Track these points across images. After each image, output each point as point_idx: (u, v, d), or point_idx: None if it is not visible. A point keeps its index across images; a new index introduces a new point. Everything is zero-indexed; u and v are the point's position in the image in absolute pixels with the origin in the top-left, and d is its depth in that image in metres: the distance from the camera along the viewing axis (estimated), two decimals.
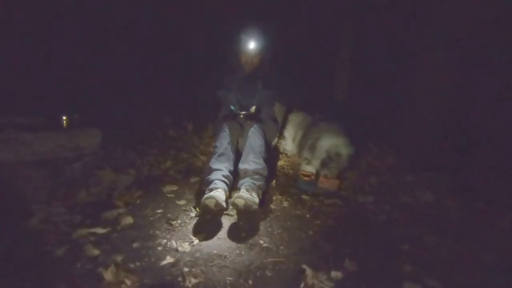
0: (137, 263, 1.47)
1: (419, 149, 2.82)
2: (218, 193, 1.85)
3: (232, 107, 2.39)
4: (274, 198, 2.14)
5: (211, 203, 1.79)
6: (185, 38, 4.98)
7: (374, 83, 4.53)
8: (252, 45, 2.33)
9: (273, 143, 2.65)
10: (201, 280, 1.39)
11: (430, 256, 1.62)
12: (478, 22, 2.81)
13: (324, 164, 2.25)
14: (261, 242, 1.68)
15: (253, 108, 2.38)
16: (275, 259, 1.55)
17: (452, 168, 2.46)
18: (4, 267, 1.41)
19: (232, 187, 2.09)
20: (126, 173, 2.27)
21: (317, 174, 2.33)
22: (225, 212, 1.91)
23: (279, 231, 1.79)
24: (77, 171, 2.17)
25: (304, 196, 2.18)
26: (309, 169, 2.31)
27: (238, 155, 2.24)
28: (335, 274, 1.45)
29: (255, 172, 2.06)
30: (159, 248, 1.58)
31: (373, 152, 2.87)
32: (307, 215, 1.96)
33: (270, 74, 2.48)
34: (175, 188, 2.19)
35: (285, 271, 1.48)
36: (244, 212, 1.88)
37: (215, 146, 2.19)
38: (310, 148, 2.33)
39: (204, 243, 1.64)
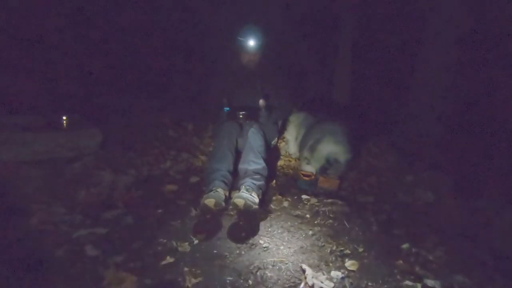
0: (137, 263, 1.47)
1: (419, 149, 2.82)
2: (218, 193, 1.85)
3: (226, 109, 2.37)
4: (274, 198, 2.14)
5: (210, 203, 1.79)
6: (185, 39, 4.97)
7: (374, 82, 4.53)
8: (250, 43, 2.34)
9: (272, 143, 2.64)
10: (201, 280, 1.39)
11: (430, 256, 1.62)
12: (479, 20, 2.81)
13: (322, 170, 2.26)
14: (261, 242, 1.68)
15: (261, 102, 2.37)
16: (275, 259, 1.55)
17: (452, 168, 2.46)
18: (4, 267, 1.41)
19: (232, 187, 2.09)
20: (126, 173, 2.27)
21: (317, 174, 2.32)
22: (225, 212, 1.91)
23: (279, 231, 1.79)
24: (77, 171, 2.17)
25: (304, 196, 2.18)
26: (309, 169, 2.31)
27: (237, 155, 2.23)
28: (335, 274, 1.45)
29: (255, 172, 2.06)
30: (159, 248, 1.58)
31: (373, 152, 2.87)
32: (307, 215, 1.96)
33: (270, 75, 2.50)
34: (175, 188, 2.19)
35: (285, 271, 1.48)
36: (244, 212, 1.87)
37: (215, 146, 2.19)
38: (310, 149, 2.33)
39: (204, 243, 1.64)
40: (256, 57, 2.42)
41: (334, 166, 2.25)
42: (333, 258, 1.57)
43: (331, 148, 2.27)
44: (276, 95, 2.51)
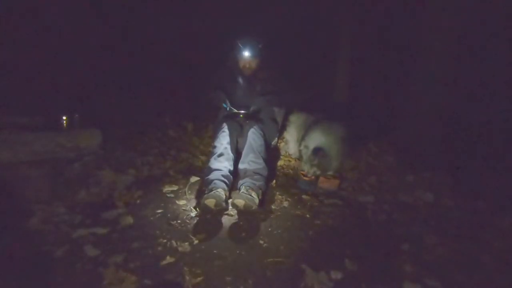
0: (137, 263, 1.47)
1: (419, 149, 2.81)
2: (218, 193, 1.85)
3: (224, 105, 2.39)
4: (274, 198, 2.14)
5: (211, 203, 1.79)
6: (185, 39, 4.98)
7: (374, 83, 4.53)
8: (248, 52, 2.40)
9: (272, 143, 2.65)
10: (201, 280, 1.39)
11: (430, 256, 1.62)
12: (478, 18, 2.80)
13: (306, 161, 2.27)
14: (261, 242, 1.68)
15: (250, 111, 2.40)
16: (275, 259, 1.55)
17: (452, 168, 2.46)
18: (4, 267, 1.41)
19: (232, 187, 2.09)
20: (126, 173, 2.27)
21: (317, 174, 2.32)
22: (225, 212, 1.91)
23: (279, 231, 1.79)
24: (77, 171, 2.17)
25: (304, 196, 2.18)
26: None
27: (237, 155, 2.24)
28: (335, 274, 1.45)
29: (255, 172, 2.06)
30: (159, 248, 1.58)
31: (373, 152, 2.87)
32: (307, 215, 1.96)
33: (269, 77, 2.51)
34: (175, 188, 2.19)
35: (285, 271, 1.47)
36: (244, 212, 1.88)
37: (215, 146, 2.19)
38: (307, 148, 2.33)
39: (204, 243, 1.64)
40: (254, 62, 2.44)
41: (318, 156, 2.24)
42: (333, 258, 1.57)
43: (318, 139, 2.28)
44: (277, 90, 2.51)
